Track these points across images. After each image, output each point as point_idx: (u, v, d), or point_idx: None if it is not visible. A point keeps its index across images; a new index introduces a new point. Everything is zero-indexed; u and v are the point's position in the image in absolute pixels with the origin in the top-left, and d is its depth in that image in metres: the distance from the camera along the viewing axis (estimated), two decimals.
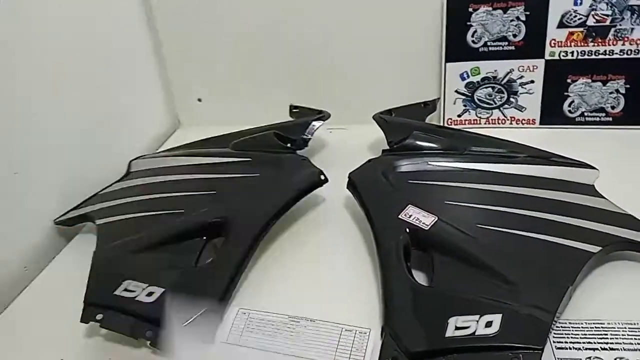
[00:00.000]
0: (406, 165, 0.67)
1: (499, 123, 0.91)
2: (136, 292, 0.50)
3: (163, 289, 0.50)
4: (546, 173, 0.65)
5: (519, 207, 0.58)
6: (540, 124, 0.89)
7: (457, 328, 0.44)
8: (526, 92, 0.88)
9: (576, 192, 0.61)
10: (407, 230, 0.55)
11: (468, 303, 0.47)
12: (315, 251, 0.62)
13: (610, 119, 0.86)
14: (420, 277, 0.52)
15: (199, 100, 1.02)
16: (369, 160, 0.70)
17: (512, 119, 0.90)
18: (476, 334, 0.43)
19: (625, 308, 0.49)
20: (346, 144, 0.89)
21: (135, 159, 0.83)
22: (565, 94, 0.86)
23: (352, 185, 0.65)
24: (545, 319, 0.44)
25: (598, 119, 0.87)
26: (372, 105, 0.84)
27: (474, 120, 0.92)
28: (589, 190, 0.62)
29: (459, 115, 0.92)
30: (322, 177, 0.66)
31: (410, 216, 0.56)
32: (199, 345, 0.48)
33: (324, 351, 0.48)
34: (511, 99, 0.89)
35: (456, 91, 0.91)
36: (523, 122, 0.90)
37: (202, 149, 0.81)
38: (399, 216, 0.57)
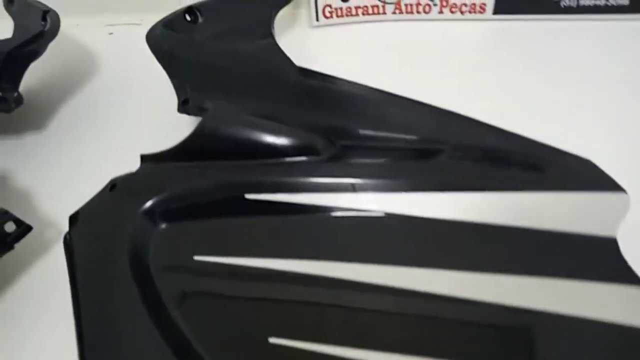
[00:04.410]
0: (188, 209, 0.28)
1: (419, 12, 0.48)
2: None
3: None
4: (524, 215, 0.27)
5: None
6: (495, 12, 0.47)
7: None
8: None
9: (589, 278, 0.25)
10: None
11: None
12: None
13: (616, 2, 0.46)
14: None
15: None
16: (111, 186, 0.29)
17: (445, 3, 0.47)
18: None
19: None
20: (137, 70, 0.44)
21: None
22: None
23: (68, 252, 0.27)
24: None
25: (599, 2, 0.46)
26: None
27: (374, 6, 0.48)
28: (611, 259, 0.25)
29: (344, 0, 0.48)
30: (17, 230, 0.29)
31: None
32: None
33: None
34: None
35: None
36: (464, 8, 0.47)
37: None
38: None
